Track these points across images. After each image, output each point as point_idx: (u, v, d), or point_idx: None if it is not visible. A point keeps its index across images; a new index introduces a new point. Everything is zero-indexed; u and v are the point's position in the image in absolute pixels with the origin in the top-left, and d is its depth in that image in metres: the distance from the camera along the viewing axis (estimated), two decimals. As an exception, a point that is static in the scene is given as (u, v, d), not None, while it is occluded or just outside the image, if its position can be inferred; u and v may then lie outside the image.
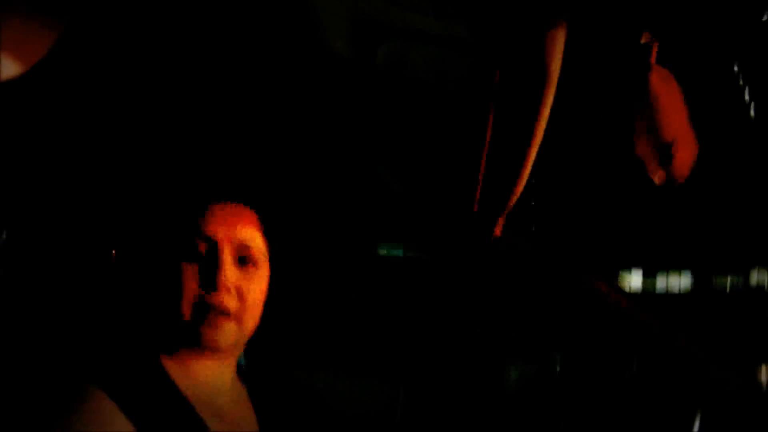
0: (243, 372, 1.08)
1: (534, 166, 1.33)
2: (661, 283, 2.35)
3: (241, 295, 0.98)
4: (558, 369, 2.22)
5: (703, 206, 1.95)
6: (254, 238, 1.02)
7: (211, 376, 1.00)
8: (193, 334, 0.96)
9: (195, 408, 0.94)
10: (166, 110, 1.53)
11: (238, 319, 0.98)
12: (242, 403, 1.05)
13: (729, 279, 2.32)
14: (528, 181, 1.34)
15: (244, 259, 1.00)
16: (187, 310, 0.95)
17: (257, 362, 1.16)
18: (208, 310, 0.95)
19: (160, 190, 1.14)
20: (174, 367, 0.97)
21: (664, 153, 1.42)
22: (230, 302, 0.96)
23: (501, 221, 1.42)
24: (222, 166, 1.42)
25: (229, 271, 0.97)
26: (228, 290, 0.96)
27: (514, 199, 1.37)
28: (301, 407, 1.14)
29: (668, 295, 2.35)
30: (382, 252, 1.86)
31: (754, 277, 2.28)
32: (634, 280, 2.35)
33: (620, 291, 1.85)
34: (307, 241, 1.76)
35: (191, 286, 0.96)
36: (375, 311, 2.10)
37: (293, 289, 1.15)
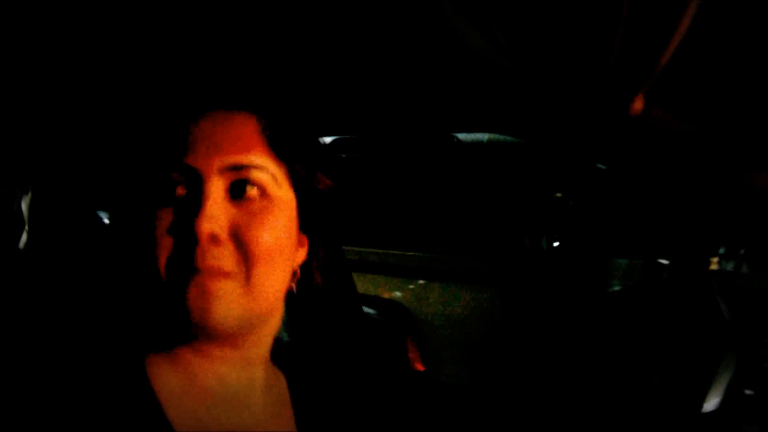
0: (284, 352, 0.74)
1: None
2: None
3: (241, 242, 0.62)
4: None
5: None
6: (258, 155, 0.66)
7: (224, 376, 0.66)
8: (179, 313, 0.61)
9: None
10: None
11: (243, 279, 0.62)
12: (280, 408, 0.72)
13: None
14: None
15: (241, 190, 0.64)
16: (165, 277, 0.61)
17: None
18: (192, 273, 0.60)
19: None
20: (167, 373, 0.64)
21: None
22: (222, 254, 0.61)
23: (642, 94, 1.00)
24: (206, 58, 0.90)
25: (215, 209, 0.61)
26: (215, 237, 0.61)
27: (663, 61, 0.94)
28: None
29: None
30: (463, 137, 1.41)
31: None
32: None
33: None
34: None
35: (167, 241, 0.61)
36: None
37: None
